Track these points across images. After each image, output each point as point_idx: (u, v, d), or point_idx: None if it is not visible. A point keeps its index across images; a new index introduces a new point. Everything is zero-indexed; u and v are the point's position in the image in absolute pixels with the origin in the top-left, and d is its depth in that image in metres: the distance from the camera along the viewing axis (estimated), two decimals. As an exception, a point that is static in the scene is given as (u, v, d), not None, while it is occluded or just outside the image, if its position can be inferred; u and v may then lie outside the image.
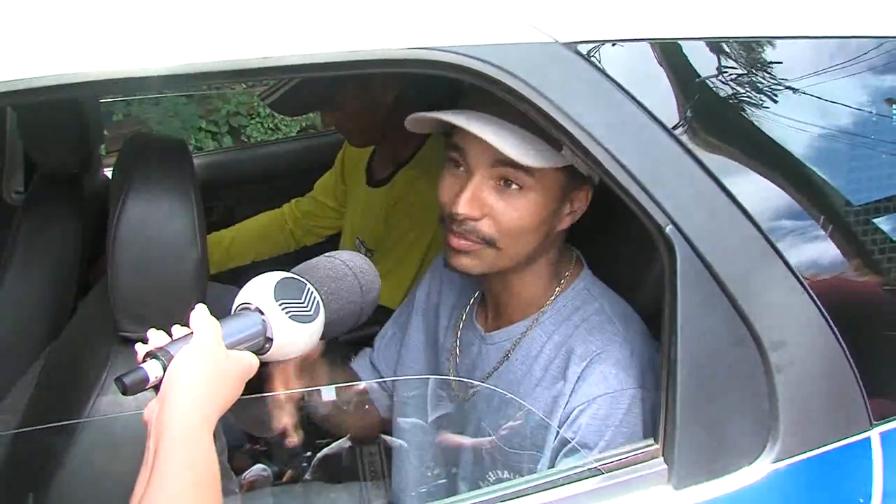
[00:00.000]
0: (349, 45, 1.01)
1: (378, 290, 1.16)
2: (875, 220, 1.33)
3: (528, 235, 1.28)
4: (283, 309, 1.03)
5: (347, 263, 1.13)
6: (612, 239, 1.46)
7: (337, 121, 2.12)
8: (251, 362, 1.00)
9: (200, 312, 1.00)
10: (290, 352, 1.06)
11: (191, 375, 0.93)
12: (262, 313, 1.03)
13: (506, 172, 1.25)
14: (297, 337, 1.05)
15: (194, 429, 0.90)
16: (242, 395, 1.00)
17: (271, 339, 1.03)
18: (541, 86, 1.07)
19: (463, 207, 1.25)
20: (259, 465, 1.68)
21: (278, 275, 1.07)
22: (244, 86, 5.32)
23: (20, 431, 1.36)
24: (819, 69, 1.32)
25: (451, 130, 1.29)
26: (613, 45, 1.15)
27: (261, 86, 2.87)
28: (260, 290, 1.05)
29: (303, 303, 1.05)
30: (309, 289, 1.06)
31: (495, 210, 1.26)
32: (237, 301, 1.06)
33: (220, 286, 2.40)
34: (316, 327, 1.06)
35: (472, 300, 1.49)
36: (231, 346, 0.99)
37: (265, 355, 1.04)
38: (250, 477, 1.67)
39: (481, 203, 1.26)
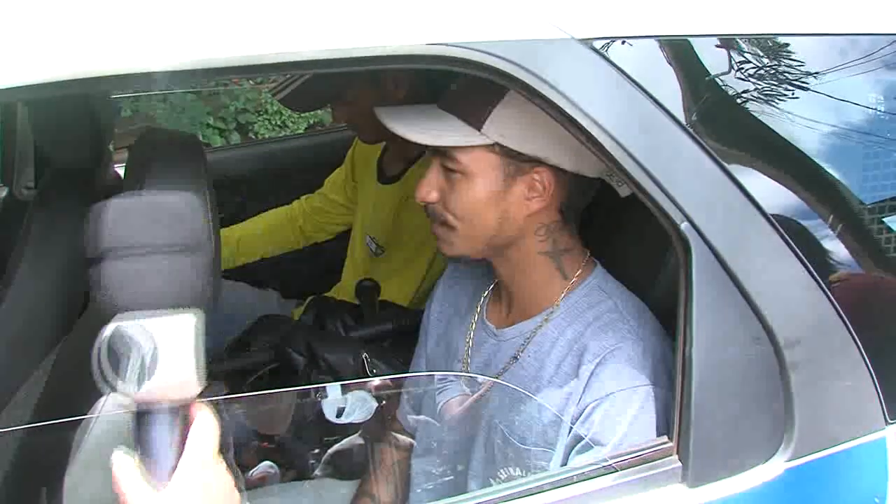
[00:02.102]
0: (365, 41, 1.00)
1: None
2: (888, 219, 1.33)
3: (478, 218, 1.32)
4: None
5: None
6: (624, 237, 1.46)
7: (348, 117, 2.12)
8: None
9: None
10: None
11: None
12: None
13: (442, 160, 1.33)
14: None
15: None
16: (252, 391, 1.00)
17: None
18: (557, 82, 1.06)
19: (420, 193, 1.35)
20: (266, 462, 1.68)
21: None
22: (252, 82, 5.33)
23: (33, 426, 1.35)
24: (833, 66, 1.32)
25: None
26: (629, 41, 1.15)
27: (269, 82, 2.86)
28: None
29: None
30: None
31: (444, 195, 1.34)
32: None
33: (229, 283, 2.41)
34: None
35: (482, 300, 1.49)
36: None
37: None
38: (257, 474, 1.67)
39: (434, 190, 1.34)
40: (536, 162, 1.30)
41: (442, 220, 1.35)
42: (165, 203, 0.86)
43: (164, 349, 0.82)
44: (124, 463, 0.84)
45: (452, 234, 1.35)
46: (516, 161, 1.29)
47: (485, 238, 1.34)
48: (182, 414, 0.86)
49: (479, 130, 1.27)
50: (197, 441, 0.84)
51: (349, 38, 1.00)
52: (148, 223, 0.84)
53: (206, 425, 0.85)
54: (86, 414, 1.18)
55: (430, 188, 1.35)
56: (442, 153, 1.31)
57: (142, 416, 0.85)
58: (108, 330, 0.81)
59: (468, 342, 1.47)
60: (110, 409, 1.17)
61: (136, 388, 0.82)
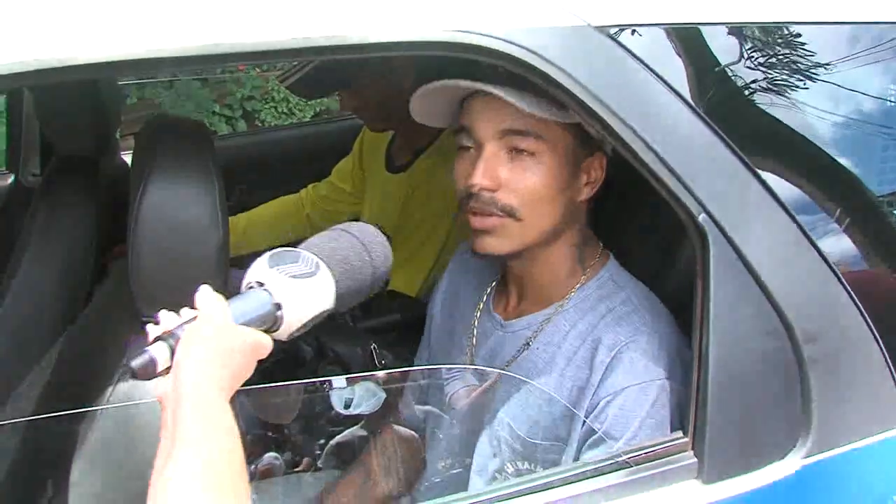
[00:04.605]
0: (381, 28, 0.99)
1: (386, 250, 1.13)
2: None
3: (547, 204, 1.27)
4: (280, 272, 1.01)
5: (341, 227, 1.11)
6: (637, 228, 1.44)
7: (355, 105, 2.11)
8: (260, 339, 0.98)
9: (205, 292, 0.99)
10: (306, 313, 1.03)
11: (199, 350, 0.92)
12: (262, 285, 1.01)
13: (513, 141, 1.25)
14: (304, 294, 1.02)
15: (210, 399, 0.89)
16: (260, 383, 0.99)
17: (279, 304, 1.01)
18: (574, 71, 1.05)
19: (478, 178, 1.25)
20: (271, 454, 1.67)
21: (269, 251, 1.06)
22: (258, 69, 5.31)
23: (38, 419, 1.34)
24: (853, 55, 1.30)
25: (458, 120, 1.29)
26: (648, 29, 1.13)
27: (276, 70, 2.84)
28: (255, 268, 1.03)
29: (299, 263, 1.03)
30: (301, 252, 1.05)
31: (510, 179, 1.26)
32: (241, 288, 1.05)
33: (237, 270, 2.40)
34: (321, 282, 1.03)
35: (488, 290, 1.47)
36: (244, 324, 0.98)
37: (285, 324, 1.01)
38: (262, 466, 1.66)
39: (494, 174, 1.26)
40: (596, 147, 1.28)
41: (505, 210, 1.26)
42: None
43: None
44: (205, 288, 0.98)
45: (512, 223, 1.27)
46: (584, 145, 1.27)
47: (545, 228, 1.29)
48: None
49: (569, 110, 1.20)
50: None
51: (365, 25, 0.99)
52: None
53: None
54: (90, 405, 1.17)
55: (490, 173, 1.25)
56: (516, 132, 1.24)
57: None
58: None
59: (472, 333, 1.46)
60: (118, 399, 1.16)
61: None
